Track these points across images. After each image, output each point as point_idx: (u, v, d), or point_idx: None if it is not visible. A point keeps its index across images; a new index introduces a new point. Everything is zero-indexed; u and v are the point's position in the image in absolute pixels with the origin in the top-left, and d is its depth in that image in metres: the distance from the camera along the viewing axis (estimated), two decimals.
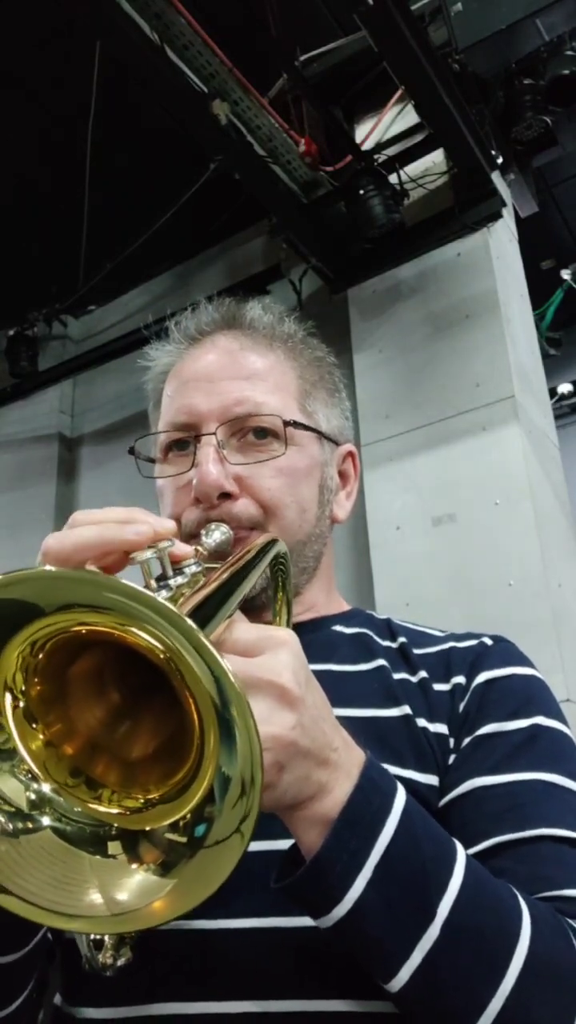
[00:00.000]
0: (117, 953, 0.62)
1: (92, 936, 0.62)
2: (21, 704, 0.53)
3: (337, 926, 0.60)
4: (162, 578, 0.60)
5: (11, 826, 0.51)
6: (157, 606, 0.46)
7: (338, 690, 0.84)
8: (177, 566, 0.63)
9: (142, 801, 0.54)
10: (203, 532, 0.83)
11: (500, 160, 3.28)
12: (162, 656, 0.50)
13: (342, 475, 1.01)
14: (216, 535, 0.82)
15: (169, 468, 0.92)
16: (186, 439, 0.91)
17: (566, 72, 2.91)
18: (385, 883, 0.60)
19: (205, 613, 0.53)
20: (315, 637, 0.92)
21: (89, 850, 0.52)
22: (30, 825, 0.52)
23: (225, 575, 0.63)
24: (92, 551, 0.61)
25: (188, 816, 0.50)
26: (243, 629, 0.59)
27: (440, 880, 0.62)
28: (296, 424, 0.91)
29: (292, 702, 0.56)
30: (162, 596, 0.57)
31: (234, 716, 0.47)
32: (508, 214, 3.37)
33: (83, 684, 0.56)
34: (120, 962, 0.63)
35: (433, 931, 0.61)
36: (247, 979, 0.70)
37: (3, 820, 0.51)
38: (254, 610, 0.85)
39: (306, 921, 0.64)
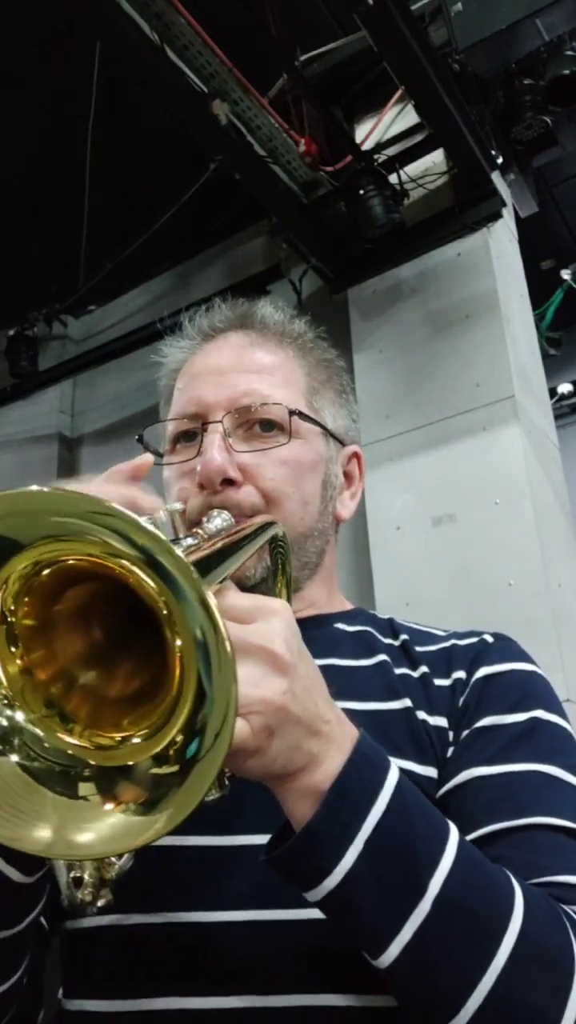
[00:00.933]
0: (97, 893, 0.62)
1: (72, 874, 0.62)
2: (5, 624, 0.53)
3: (327, 899, 0.60)
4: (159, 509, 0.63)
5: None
6: (168, 545, 0.47)
7: (340, 684, 0.85)
8: (175, 539, 0.64)
9: (117, 739, 0.54)
10: (204, 519, 0.84)
11: (500, 160, 3.28)
12: (149, 588, 0.49)
13: (347, 475, 1.02)
14: (217, 521, 0.83)
15: (176, 457, 0.94)
16: (193, 430, 0.92)
17: (566, 72, 2.90)
18: (376, 856, 0.60)
19: (203, 568, 0.54)
20: (318, 634, 0.92)
21: (55, 788, 0.52)
22: None
23: (219, 544, 0.64)
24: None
25: (177, 738, 0.50)
26: (237, 596, 0.60)
27: (432, 856, 0.62)
28: (302, 416, 0.92)
29: (283, 668, 0.57)
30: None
31: (217, 654, 0.47)
32: (508, 214, 3.37)
33: (70, 617, 0.56)
34: (100, 902, 0.62)
35: (424, 906, 0.60)
36: (246, 974, 0.71)
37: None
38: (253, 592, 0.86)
39: (302, 915, 0.64)
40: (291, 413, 0.91)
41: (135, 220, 3.73)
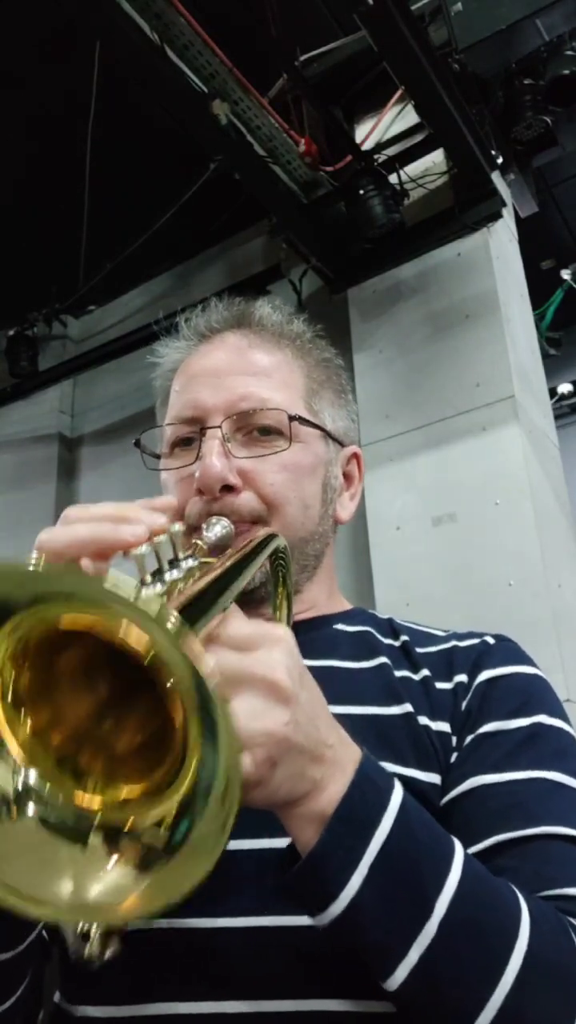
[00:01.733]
0: (104, 946, 0.61)
1: (80, 927, 0.62)
2: (9, 693, 0.53)
3: (333, 924, 0.60)
4: (157, 572, 0.60)
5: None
6: (140, 606, 0.46)
7: (340, 687, 0.84)
8: (173, 560, 0.62)
9: (125, 794, 0.54)
10: (204, 526, 0.83)
11: (500, 160, 3.28)
12: (145, 653, 0.49)
13: (346, 476, 1.01)
14: (216, 529, 0.82)
15: (174, 462, 0.93)
16: (192, 436, 0.91)
17: (566, 72, 2.90)
18: (381, 880, 0.60)
19: (197, 608, 0.53)
20: (317, 635, 0.92)
21: (69, 840, 0.52)
22: (15, 813, 0.51)
23: (220, 569, 0.62)
24: (86, 549, 0.61)
25: (170, 815, 0.50)
26: (238, 625, 0.59)
27: (437, 877, 0.62)
28: (301, 420, 0.91)
29: (286, 698, 0.56)
30: (156, 590, 0.58)
31: (216, 718, 0.46)
32: (508, 214, 3.37)
33: (71, 675, 0.56)
34: (107, 955, 0.61)
35: (430, 928, 0.60)
36: (244, 979, 0.70)
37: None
38: (253, 604, 0.85)
39: (302, 920, 0.64)
40: (291, 419, 0.90)
41: (135, 220, 3.73)
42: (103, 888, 0.49)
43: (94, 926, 0.61)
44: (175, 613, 0.46)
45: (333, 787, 0.61)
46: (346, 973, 0.68)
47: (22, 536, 4.76)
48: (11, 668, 0.52)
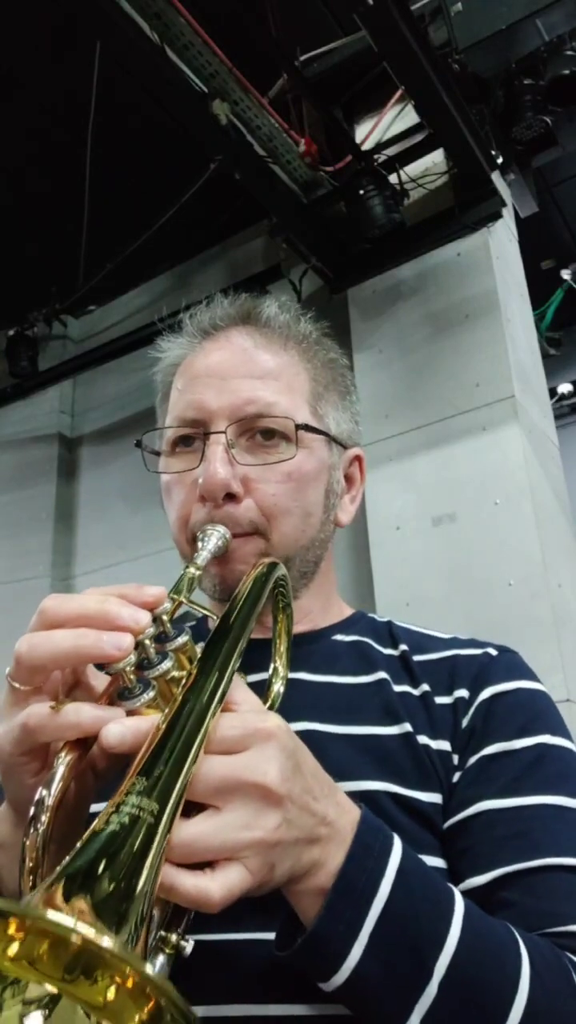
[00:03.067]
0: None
1: None
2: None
3: (336, 993, 0.61)
4: (147, 666, 0.60)
5: None
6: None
7: (340, 704, 0.83)
8: (164, 640, 0.62)
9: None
10: (199, 538, 0.82)
11: (500, 160, 3.29)
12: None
13: (348, 478, 1.00)
14: (212, 542, 0.81)
15: (175, 463, 0.91)
16: (194, 435, 0.89)
17: (566, 72, 2.91)
18: (381, 948, 0.60)
19: (174, 768, 0.51)
20: (316, 648, 0.91)
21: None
22: None
23: (210, 661, 0.60)
24: (67, 663, 0.60)
25: None
26: (229, 725, 0.57)
27: (437, 937, 0.62)
28: (307, 428, 0.89)
29: (277, 801, 0.56)
30: (146, 698, 0.58)
31: None
32: (508, 214, 3.37)
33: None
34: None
35: (431, 990, 0.60)
36: (234, 984, 0.70)
37: None
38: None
39: (268, 935, 0.64)
40: (297, 428, 0.88)
41: (135, 220, 3.73)
42: None
43: None
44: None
45: (331, 862, 0.61)
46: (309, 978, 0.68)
47: (22, 536, 4.76)
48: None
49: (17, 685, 0.61)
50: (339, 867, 0.60)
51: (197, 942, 0.71)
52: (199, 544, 0.81)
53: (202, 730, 0.55)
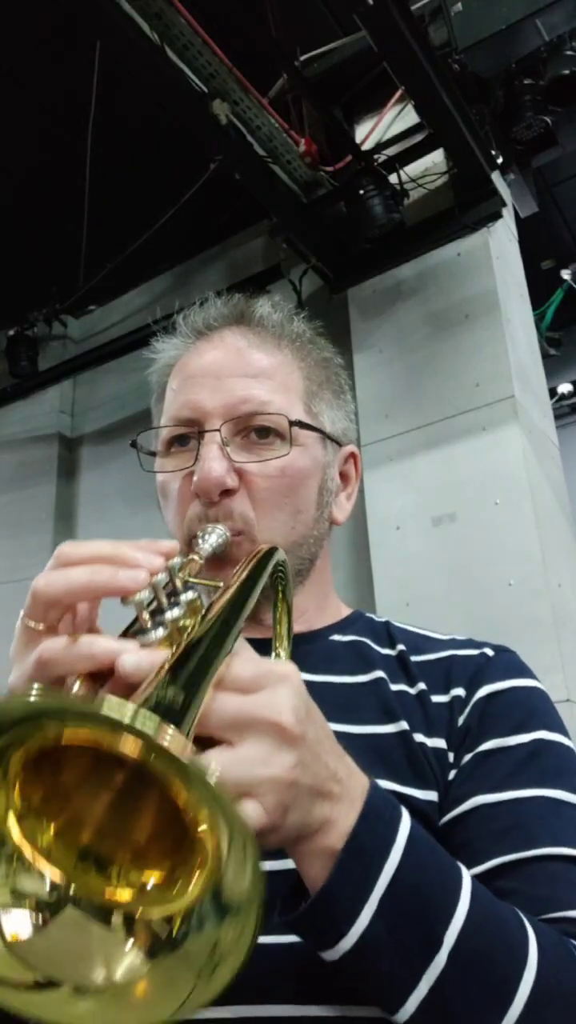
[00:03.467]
0: None
1: None
2: (25, 810, 0.52)
3: (343, 959, 0.60)
4: (157, 611, 0.59)
5: (40, 918, 0.51)
6: (134, 727, 0.44)
7: (337, 703, 0.83)
8: (172, 594, 0.62)
9: (145, 882, 0.53)
10: (199, 534, 0.82)
11: (500, 160, 3.29)
12: (146, 767, 0.48)
13: (343, 476, 1.00)
14: (212, 538, 0.81)
15: (170, 463, 0.91)
16: (189, 435, 0.89)
17: (566, 72, 2.91)
18: (391, 914, 0.60)
19: (187, 701, 0.51)
20: (313, 648, 0.91)
21: (98, 921, 0.52)
22: (54, 910, 0.51)
23: (217, 611, 0.61)
24: (82, 595, 0.60)
25: (176, 916, 0.49)
26: (242, 665, 0.57)
27: (446, 908, 0.62)
28: (301, 424, 0.90)
29: (292, 740, 0.55)
30: (157, 636, 0.58)
31: (232, 829, 0.45)
32: (508, 214, 3.37)
33: (82, 772, 0.55)
34: None
35: (440, 960, 0.60)
36: (235, 986, 0.70)
37: (35, 917, 0.50)
38: (251, 616, 0.85)
39: (295, 938, 0.64)
40: (291, 424, 0.88)
41: (135, 220, 3.73)
42: (123, 970, 0.49)
43: None
44: (169, 730, 0.45)
45: (343, 822, 0.60)
46: (332, 979, 0.68)
47: (22, 536, 4.77)
48: (17, 789, 0.51)
49: (32, 624, 0.61)
50: (351, 828, 0.60)
51: None
52: (199, 539, 0.81)
53: (220, 653, 0.55)
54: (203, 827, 0.47)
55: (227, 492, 0.86)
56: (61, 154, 3.65)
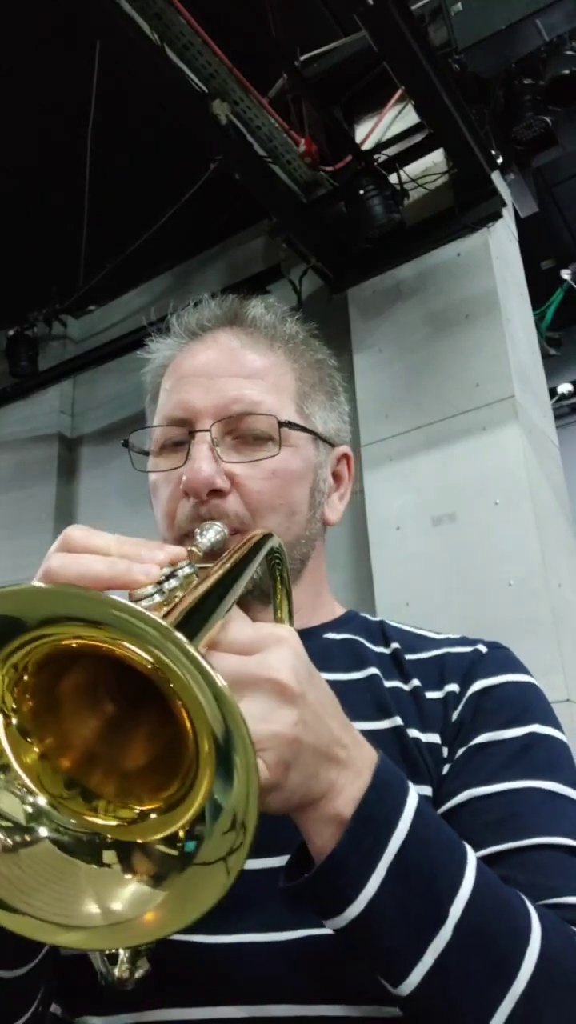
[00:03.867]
0: (133, 966, 0.60)
1: (106, 950, 0.61)
2: (14, 721, 0.52)
3: (350, 926, 0.60)
4: (156, 583, 0.60)
5: (10, 841, 0.51)
6: (148, 621, 0.45)
7: None
8: (170, 568, 0.62)
9: (137, 812, 0.53)
10: (197, 531, 0.82)
11: (500, 160, 3.29)
12: (153, 670, 0.49)
13: (336, 477, 1.00)
14: (210, 534, 0.82)
15: (163, 463, 0.92)
16: (181, 437, 0.90)
17: (566, 72, 2.91)
18: (398, 883, 0.60)
19: (197, 618, 0.52)
20: (306, 646, 0.91)
21: (85, 859, 0.52)
22: (28, 838, 0.51)
23: (218, 574, 0.62)
24: (95, 585, 0.60)
25: (180, 831, 0.50)
26: (239, 628, 0.58)
27: (452, 881, 0.62)
28: (292, 425, 0.90)
29: (292, 698, 0.56)
30: (154, 600, 0.58)
31: (233, 747, 0.46)
32: (508, 214, 3.37)
33: (76, 695, 0.55)
34: (138, 974, 0.61)
35: (445, 932, 0.60)
36: (243, 985, 0.70)
37: (2, 837, 0.50)
38: (252, 602, 0.85)
39: (303, 933, 0.64)
40: (281, 424, 0.89)
41: (135, 220, 3.73)
42: (124, 903, 0.49)
43: (121, 949, 0.60)
44: (175, 628, 0.46)
45: (350, 789, 0.60)
46: (348, 979, 0.68)
47: (22, 536, 4.75)
48: (11, 695, 0.52)
49: None
50: (360, 794, 0.60)
51: (195, 944, 0.71)
52: (198, 535, 0.82)
53: (217, 609, 0.56)
54: (191, 730, 0.48)
55: (217, 492, 0.86)
56: (61, 154, 3.65)
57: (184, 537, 0.84)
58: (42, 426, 4.62)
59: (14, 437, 4.65)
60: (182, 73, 2.95)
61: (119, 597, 0.57)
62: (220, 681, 0.45)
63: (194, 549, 0.75)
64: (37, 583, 0.49)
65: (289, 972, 0.70)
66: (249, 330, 0.95)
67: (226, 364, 0.91)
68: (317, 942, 0.67)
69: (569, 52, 2.90)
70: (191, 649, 0.45)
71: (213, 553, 0.82)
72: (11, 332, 4.52)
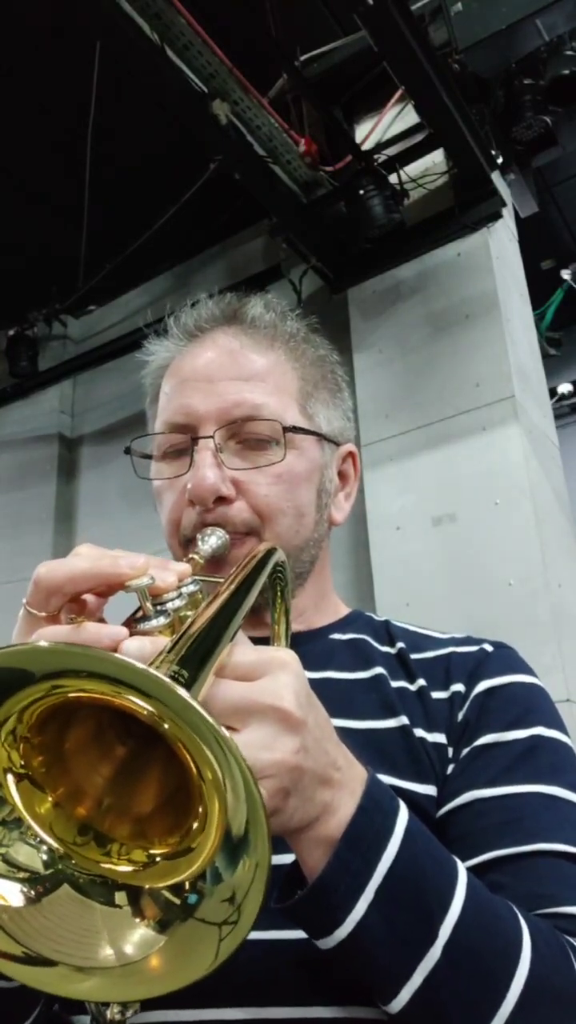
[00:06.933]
0: (124, 1007, 0.60)
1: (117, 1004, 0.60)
2: (24, 775, 0.52)
3: (338, 947, 0.60)
4: (159, 602, 0.60)
5: (33, 892, 0.51)
6: (153, 681, 0.45)
7: (337, 699, 0.82)
8: (176, 586, 0.62)
9: (147, 856, 0.53)
10: (199, 537, 0.82)
11: (500, 160, 3.29)
12: (157, 726, 0.49)
13: (341, 475, 0.99)
14: (212, 540, 0.81)
15: (166, 468, 0.91)
16: (183, 444, 0.89)
17: (566, 72, 2.91)
18: (387, 904, 0.60)
19: (198, 659, 0.52)
20: (312, 647, 0.91)
21: (99, 900, 0.52)
22: (48, 886, 0.51)
23: (223, 597, 0.61)
24: (84, 583, 0.60)
25: (185, 883, 0.50)
26: (242, 652, 0.57)
27: (442, 901, 0.62)
28: (296, 429, 0.89)
29: (295, 725, 0.55)
30: (160, 623, 0.58)
31: (246, 834, 0.46)
32: (508, 214, 3.37)
33: (85, 742, 0.55)
34: (128, 1014, 0.60)
35: (435, 952, 0.60)
36: (242, 986, 0.70)
37: (26, 890, 0.50)
38: (251, 616, 0.85)
39: (299, 934, 0.64)
40: (286, 430, 0.87)
41: (135, 220, 3.73)
42: (133, 946, 0.49)
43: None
44: (180, 685, 0.45)
45: (342, 810, 0.60)
46: (344, 981, 0.68)
47: (22, 536, 4.76)
48: (20, 750, 0.52)
49: (33, 611, 0.61)
50: (350, 817, 0.60)
51: None
52: (199, 541, 0.81)
53: (222, 639, 0.55)
54: (208, 775, 0.47)
55: (222, 499, 0.85)
56: (61, 153, 3.64)
57: (188, 543, 0.84)
58: (42, 426, 4.62)
59: (14, 437, 4.65)
60: (182, 73, 2.95)
61: (113, 627, 0.57)
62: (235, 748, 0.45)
63: (196, 556, 0.74)
64: (41, 643, 0.48)
65: (288, 973, 0.70)
66: (249, 330, 0.93)
67: (227, 366, 0.89)
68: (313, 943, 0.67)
69: (569, 52, 2.90)
70: (205, 714, 0.45)
71: (215, 559, 0.82)
72: (11, 332, 4.52)
